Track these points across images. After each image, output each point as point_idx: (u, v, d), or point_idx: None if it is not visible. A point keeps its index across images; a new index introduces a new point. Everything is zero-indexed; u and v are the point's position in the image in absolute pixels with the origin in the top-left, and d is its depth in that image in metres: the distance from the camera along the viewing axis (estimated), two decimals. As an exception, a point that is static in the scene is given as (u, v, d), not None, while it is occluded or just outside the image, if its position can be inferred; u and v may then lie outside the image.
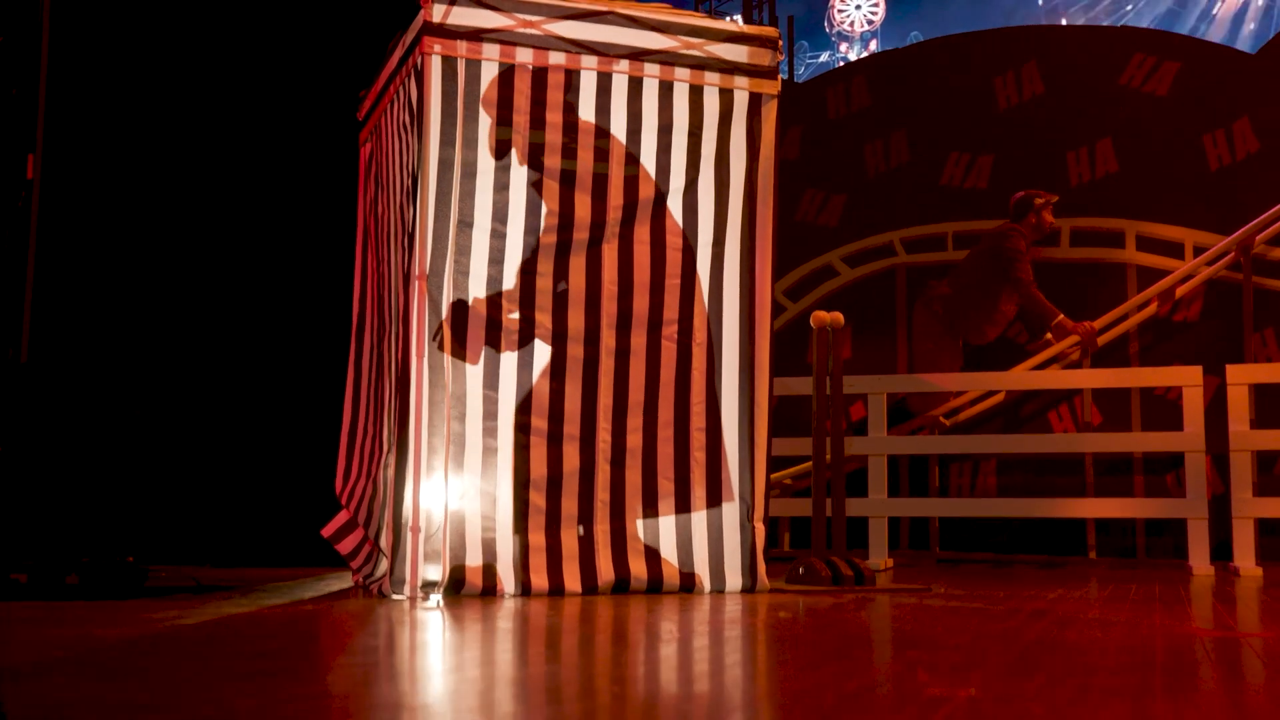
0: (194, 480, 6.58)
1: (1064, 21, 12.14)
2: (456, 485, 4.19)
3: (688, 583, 4.40)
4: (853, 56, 11.92)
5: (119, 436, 4.35)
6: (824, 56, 12.56)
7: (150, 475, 5.90)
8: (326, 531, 5.12)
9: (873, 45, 12.03)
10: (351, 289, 5.42)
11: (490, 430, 4.25)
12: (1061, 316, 7.68)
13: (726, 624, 3.38)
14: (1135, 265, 7.93)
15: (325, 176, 5.96)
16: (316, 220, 6.18)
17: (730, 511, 4.47)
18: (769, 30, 4.69)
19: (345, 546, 4.99)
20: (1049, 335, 7.83)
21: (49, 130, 4.56)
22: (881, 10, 12.44)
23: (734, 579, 4.44)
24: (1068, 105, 8.30)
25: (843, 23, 12.63)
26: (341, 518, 5.09)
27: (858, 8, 12.56)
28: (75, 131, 4.97)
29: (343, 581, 5.31)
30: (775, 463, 4.99)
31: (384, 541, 4.41)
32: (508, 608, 3.80)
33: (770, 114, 4.62)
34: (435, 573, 4.11)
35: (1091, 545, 7.53)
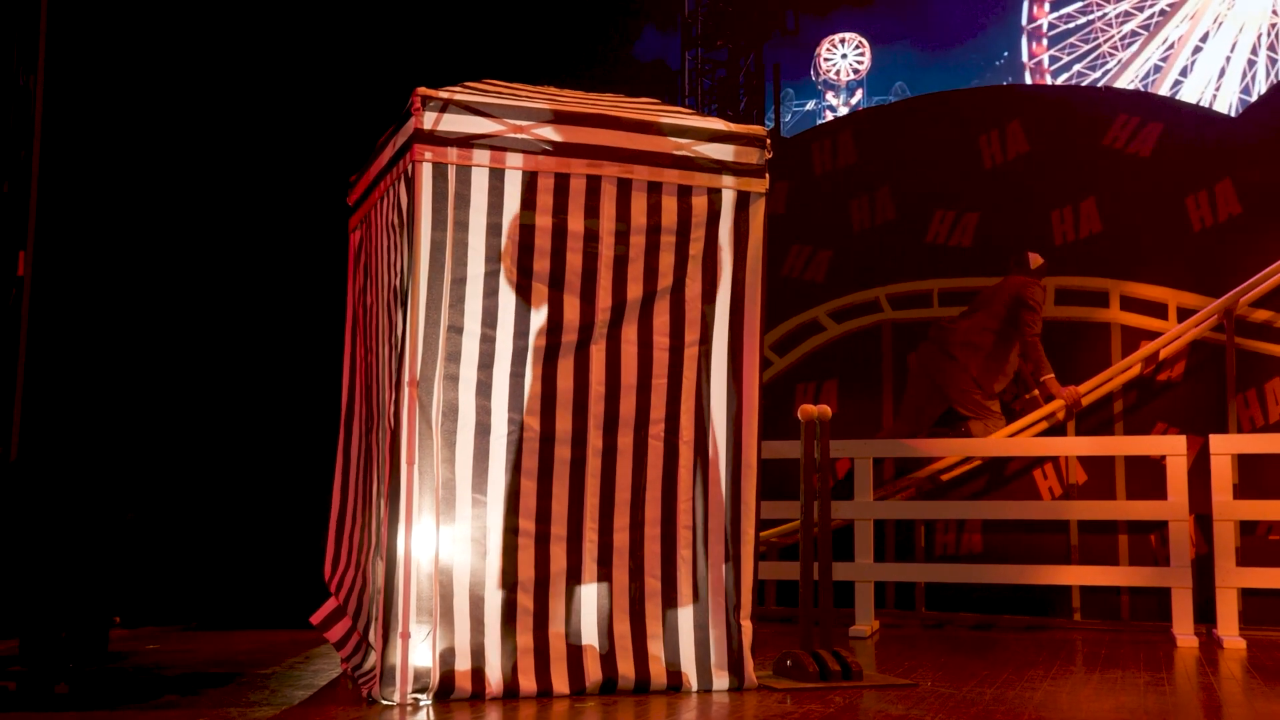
0: (183, 549, 6.63)
1: (1048, 78, 12.30)
2: (446, 588, 4.21)
3: (675, 681, 4.42)
4: (839, 104, 12.05)
5: (110, 528, 4.36)
6: (810, 104, 12.67)
7: (140, 550, 5.92)
8: (315, 619, 5.13)
9: (859, 94, 12.15)
10: (339, 363, 5.45)
11: (479, 531, 4.28)
12: (1051, 375, 7.72)
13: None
14: (1119, 325, 7.99)
15: (318, 256, 6.00)
16: (308, 296, 6.21)
17: (717, 610, 4.50)
18: (756, 129, 4.73)
19: (334, 635, 5.00)
20: (1035, 391, 7.89)
21: (40, 227, 4.57)
22: (867, 59, 12.55)
23: (721, 678, 4.47)
24: (1052, 164, 8.37)
25: (829, 71, 12.74)
26: (330, 605, 5.11)
27: (844, 57, 12.67)
28: (67, 227, 4.99)
29: (329, 662, 5.32)
30: (759, 525, 5.02)
31: (373, 636, 4.43)
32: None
33: (758, 212, 4.66)
34: (425, 677, 4.13)
35: (1076, 606, 7.57)
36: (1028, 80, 13.10)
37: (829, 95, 12.54)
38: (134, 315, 5.91)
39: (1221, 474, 6.51)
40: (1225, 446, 6.60)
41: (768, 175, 4.68)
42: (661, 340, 4.52)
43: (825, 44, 12.55)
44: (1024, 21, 13.61)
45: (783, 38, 11.87)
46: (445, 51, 7.38)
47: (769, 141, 4.70)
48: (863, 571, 7.02)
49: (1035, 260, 7.90)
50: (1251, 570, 6.61)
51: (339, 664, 5.12)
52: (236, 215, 6.45)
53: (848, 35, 12.78)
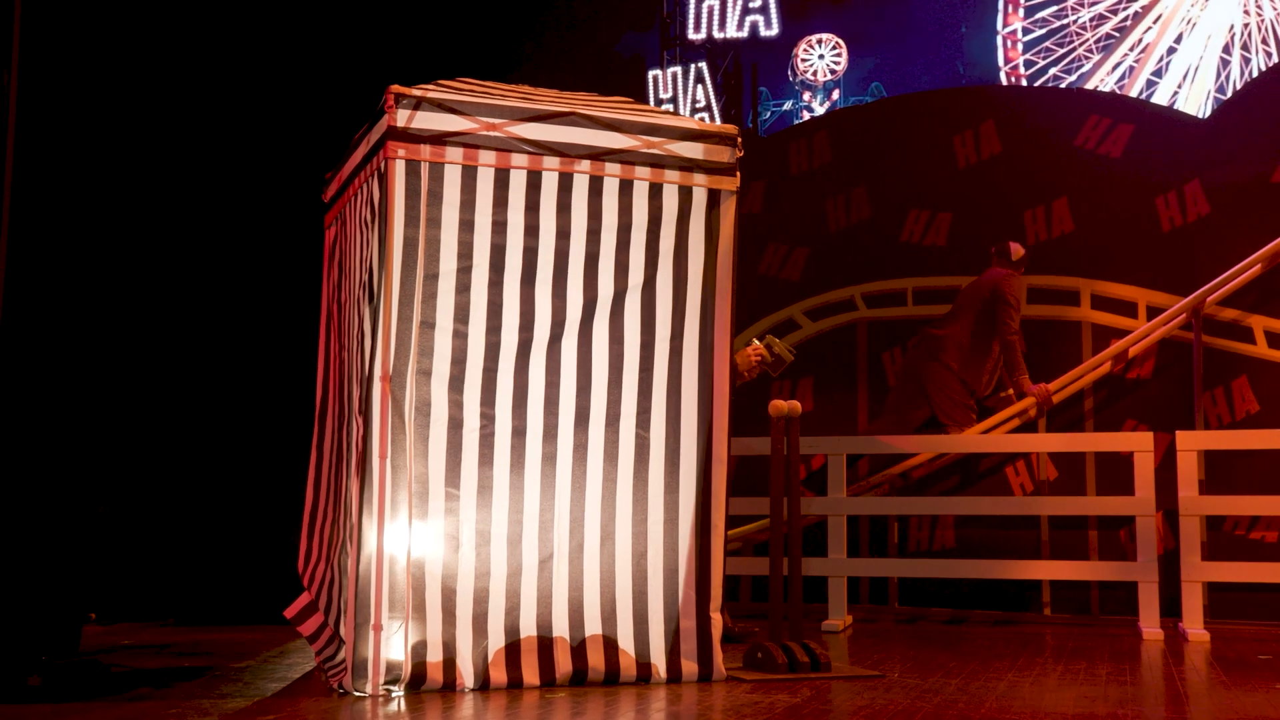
0: (158, 545, 6.65)
1: (1023, 82, 12.41)
2: (419, 581, 4.25)
3: (644, 673, 4.47)
4: (816, 104, 12.14)
5: (82, 522, 4.38)
6: (788, 104, 12.75)
7: (113, 544, 5.95)
8: (289, 613, 5.16)
9: (835, 94, 12.25)
10: (315, 359, 5.47)
11: (452, 525, 4.32)
12: (1025, 376, 7.78)
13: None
14: (1090, 323, 8.08)
15: (295, 252, 6.03)
16: (285, 292, 6.24)
17: (687, 602, 4.55)
18: (728, 128, 4.78)
19: (307, 629, 5.04)
20: (1010, 390, 7.96)
21: (14, 222, 4.59)
22: (844, 60, 12.62)
23: (690, 669, 4.52)
24: (1025, 165, 8.45)
25: (805, 71, 12.82)
26: (303, 599, 5.14)
27: (820, 57, 12.75)
28: (40, 223, 5.01)
29: (303, 656, 5.36)
30: (733, 521, 5.06)
31: (344, 629, 4.46)
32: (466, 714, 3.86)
33: (729, 210, 4.71)
34: (397, 669, 4.17)
35: (1046, 601, 7.65)
36: (1003, 80, 13.31)
37: (806, 95, 12.64)
38: (108, 310, 5.92)
39: (1188, 470, 6.60)
40: (1192, 443, 6.69)
41: (739, 174, 4.74)
42: (633, 336, 4.57)
43: (802, 45, 12.65)
44: (999, 26, 13.75)
45: (760, 38, 11.97)
46: (422, 50, 7.41)
47: (740, 140, 4.75)
48: (836, 566, 7.08)
49: (1017, 250, 7.90)
50: (1217, 564, 6.70)
51: (313, 658, 5.15)
52: (213, 212, 6.48)
53: (825, 36, 12.88)
